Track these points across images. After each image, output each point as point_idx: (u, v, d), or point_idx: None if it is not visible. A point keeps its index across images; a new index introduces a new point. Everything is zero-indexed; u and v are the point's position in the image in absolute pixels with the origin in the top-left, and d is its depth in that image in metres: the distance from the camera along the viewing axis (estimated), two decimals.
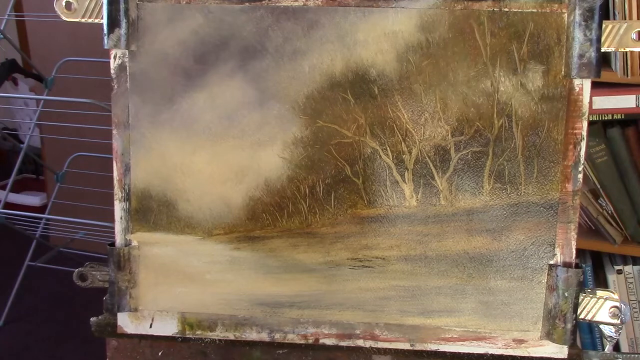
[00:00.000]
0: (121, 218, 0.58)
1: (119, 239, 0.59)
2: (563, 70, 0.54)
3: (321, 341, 0.59)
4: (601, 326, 0.58)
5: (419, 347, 0.58)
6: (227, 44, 0.56)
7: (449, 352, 0.58)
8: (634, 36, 0.53)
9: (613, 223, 1.23)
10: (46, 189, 2.73)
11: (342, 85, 0.56)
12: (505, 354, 0.58)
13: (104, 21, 0.56)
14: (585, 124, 0.54)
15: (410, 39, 0.55)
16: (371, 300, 0.58)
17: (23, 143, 2.25)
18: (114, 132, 0.58)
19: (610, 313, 0.56)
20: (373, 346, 0.59)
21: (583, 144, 0.55)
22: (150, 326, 0.60)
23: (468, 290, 0.57)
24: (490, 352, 0.58)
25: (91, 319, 0.61)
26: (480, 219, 0.56)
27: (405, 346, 0.59)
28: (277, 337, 0.60)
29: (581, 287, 0.56)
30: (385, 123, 0.56)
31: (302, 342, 0.59)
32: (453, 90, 0.55)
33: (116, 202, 0.58)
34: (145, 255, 0.59)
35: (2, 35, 1.80)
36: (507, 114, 0.55)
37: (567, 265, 0.56)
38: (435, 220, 0.56)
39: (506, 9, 0.54)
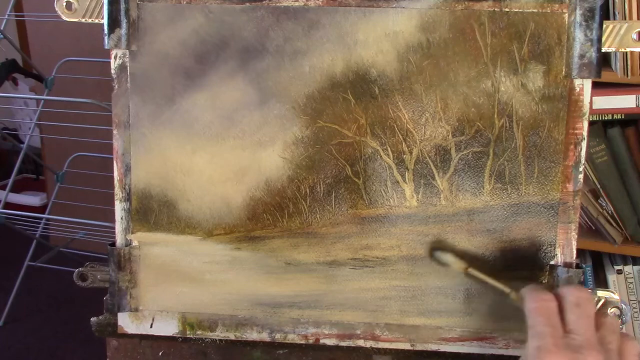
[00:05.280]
0: (121, 218, 0.58)
1: (119, 239, 0.59)
2: (564, 70, 0.54)
3: (322, 341, 0.59)
4: None
5: (419, 347, 0.59)
6: (227, 44, 0.56)
7: (449, 352, 0.58)
8: (635, 36, 0.53)
9: (613, 223, 1.23)
10: (46, 189, 2.73)
11: (342, 85, 0.56)
12: (506, 354, 0.58)
13: (105, 21, 0.56)
14: (586, 124, 0.54)
15: (410, 39, 0.55)
16: (372, 300, 0.58)
17: (23, 143, 2.25)
18: (115, 132, 0.58)
19: (610, 313, 0.56)
20: (374, 346, 0.59)
21: (584, 144, 0.55)
22: (151, 326, 0.60)
23: (469, 291, 0.57)
24: (490, 352, 0.58)
25: (91, 319, 0.61)
26: (480, 219, 0.56)
27: (406, 346, 0.59)
28: (278, 337, 0.60)
29: None
30: (386, 123, 0.56)
31: (303, 342, 0.59)
32: (454, 90, 0.55)
33: (117, 202, 0.58)
34: (145, 255, 0.59)
35: (2, 35, 1.80)
36: (508, 114, 0.55)
37: (567, 265, 0.56)
38: (436, 220, 0.56)
39: (507, 9, 0.54)
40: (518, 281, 0.56)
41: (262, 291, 0.59)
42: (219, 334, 0.60)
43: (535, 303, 0.50)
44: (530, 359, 0.47)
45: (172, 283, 0.59)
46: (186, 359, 0.61)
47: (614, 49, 0.54)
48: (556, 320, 0.49)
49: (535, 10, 0.54)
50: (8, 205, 2.03)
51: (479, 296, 0.57)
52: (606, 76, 1.10)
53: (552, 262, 0.56)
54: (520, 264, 0.56)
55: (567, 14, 0.53)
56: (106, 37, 0.56)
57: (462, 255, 0.56)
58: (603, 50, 0.53)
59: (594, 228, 1.23)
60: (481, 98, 0.55)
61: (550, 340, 0.47)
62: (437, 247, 0.57)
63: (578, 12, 0.53)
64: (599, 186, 1.19)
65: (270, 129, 0.57)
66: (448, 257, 0.56)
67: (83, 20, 0.57)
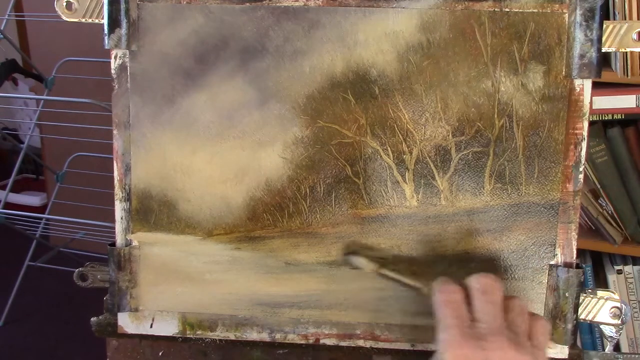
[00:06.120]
0: (122, 218, 0.58)
1: (119, 239, 0.59)
2: (564, 70, 0.54)
3: (322, 341, 0.59)
4: (601, 326, 0.58)
5: (419, 347, 0.59)
6: (227, 44, 0.56)
7: None
8: (635, 36, 0.53)
9: (613, 223, 1.23)
10: (46, 189, 2.73)
11: (342, 85, 0.56)
12: None
13: (105, 21, 0.56)
14: (586, 124, 0.54)
15: (411, 39, 0.55)
16: (372, 300, 0.58)
17: (23, 143, 2.25)
18: (115, 132, 0.58)
19: (611, 313, 0.56)
20: (373, 346, 0.59)
21: (584, 144, 0.55)
22: (151, 326, 0.60)
23: None
24: None
25: (91, 319, 0.61)
26: (480, 219, 0.56)
27: (406, 346, 0.59)
28: (278, 337, 0.60)
29: (582, 287, 0.56)
30: (386, 123, 0.56)
31: (303, 342, 0.59)
32: (454, 90, 0.55)
33: (117, 202, 0.58)
34: (145, 255, 0.59)
35: (2, 35, 1.80)
36: (508, 114, 0.55)
37: (567, 265, 0.56)
38: (436, 220, 0.56)
39: (507, 9, 0.54)
40: (517, 281, 0.56)
41: (262, 291, 0.59)
42: (219, 334, 0.60)
43: (442, 296, 0.51)
44: (440, 351, 0.48)
45: (172, 283, 0.59)
46: (186, 359, 0.61)
47: (614, 49, 0.53)
48: (462, 311, 0.49)
49: (535, 10, 0.54)
50: (8, 205, 2.03)
51: None
52: (606, 76, 1.10)
53: (552, 262, 0.56)
54: (520, 264, 0.56)
55: (567, 14, 0.53)
56: (106, 37, 0.56)
57: (373, 257, 0.56)
58: (603, 50, 0.53)
59: (594, 228, 1.23)
60: (481, 98, 0.55)
61: (457, 331, 0.48)
62: (349, 251, 0.57)
63: (578, 12, 0.53)
64: (599, 186, 1.19)
65: (270, 129, 0.57)
66: (360, 261, 0.56)
67: (83, 20, 0.57)
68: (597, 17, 0.52)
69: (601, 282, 1.29)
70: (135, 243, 0.59)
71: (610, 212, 1.20)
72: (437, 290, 0.51)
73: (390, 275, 0.56)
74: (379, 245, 0.57)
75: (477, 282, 0.51)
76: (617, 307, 0.56)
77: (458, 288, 0.51)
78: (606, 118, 1.16)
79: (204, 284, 0.59)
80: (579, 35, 0.53)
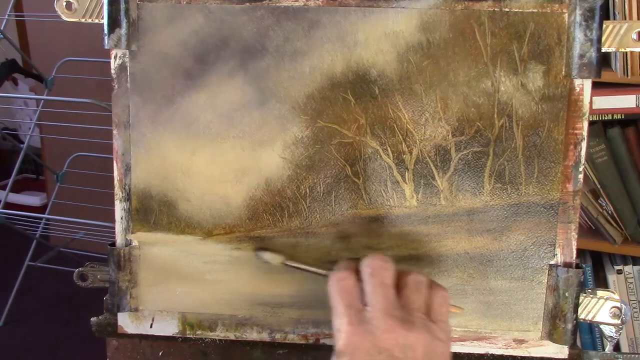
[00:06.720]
0: (122, 218, 0.58)
1: (119, 239, 0.59)
2: (564, 70, 0.54)
3: (322, 341, 0.59)
4: (601, 326, 0.58)
5: None
6: (227, 44, 0.56)
7: None
8: (635, 36, 0.53)
9: (613, 223, 1.23)
10: (46, 189, 2.73)
11: (342, 85, 0.56)
12: (506, 354, 0.58)
13: (105, 21, 0.56)
14: (585, 124, 0.54)
15: (410, 39, 0.55)
16: None
17: (23, 143, 2.25)
18: (115, 132, 0.58)
19: (610, 313, 0.56)
20: None
21: (584, 144, 0.55)
22: (151, 326, 0.60)
23: (468, 291, 0.57)
24: (490, 352, 0.58)
25: (91, 319, 0.61)
26: (480, 219, 0.56)
27: None
28: (278, 337, 0.60)
29: (581, 287, 0.56)
30: (386, 123, 0.56)
31: (303, 342, 0.59)
32: (454, 90, 0.55)
33: (117, 202, 0.58)
34: (145, 255, 0.59)
35: (2, 35, 1.80)
36: (508, 114, 0.55)
37: (567, 265, 0.56)
38: (436, 220, 0.56)
39: (507, 9, 0.54)
40: (517, 281, 0.56)
41: (262, 291, 0.59)
42: (219, 334, 0.60)
43: (334, 284, 0.49)
44: (335, 340, 0.47)
45: (172, 283, 0.59)
46: (186, 359, 0.61)
47: (613, 49, 0.53)
48: (353, 296, 0.48)
49: (535, 10, 0.54)
50: (8, 205, 2.03)
51: (478, 296, 0.57)
52: (606, 76, 1.11)
53: (552, 262, 0.56)
54: (520, 264, 0.56)
55: (567, 14, 0.53)
56: (106, 37, 0.56)
57: (280, 250, 0.57)
58: (603, 50, 0.53)
59: (594, 228, 1.23)
60: (481, 98, 0.55)
61: (346, 319, 0.47)
62: (258, 247, 0.58)
63: (578, 12, 0.53)
64: (599, 186, 1.19)
65: (270, 129, 0.57)
66: (265, 255, 0.57)
67: (83, 20, 0.57)
68: (596, 17, 0.52)
69: (601, 282, 1.29)
70: (135, 243, 0.59)
71: (610, 212, 1.20)
72: (331, 278, 0.50)
73: (296, 266, 0.56)
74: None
75: (366, 265, 0.50)
76: (617, 307, 0.56)
77: (349, 274, 0.50)
78: (606, 118, 1.16)
79: (204, 283, 0.59)
80: (578, 35, 0.53)
